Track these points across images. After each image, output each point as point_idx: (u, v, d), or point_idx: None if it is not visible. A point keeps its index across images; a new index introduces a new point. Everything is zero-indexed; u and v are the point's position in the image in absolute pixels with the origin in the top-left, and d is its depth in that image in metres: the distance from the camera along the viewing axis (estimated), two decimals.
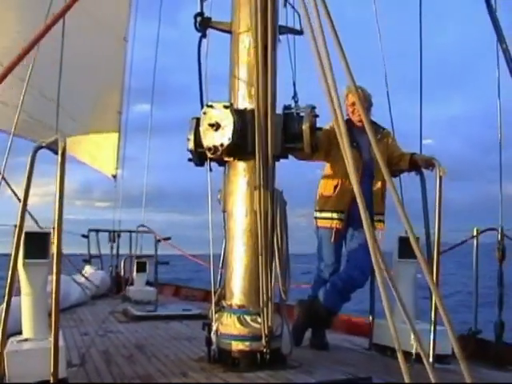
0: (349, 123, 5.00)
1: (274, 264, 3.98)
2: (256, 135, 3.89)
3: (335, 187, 4.94)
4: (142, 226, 9.39)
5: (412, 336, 2.63)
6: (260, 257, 3.90)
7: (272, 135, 3.91)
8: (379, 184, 4.92)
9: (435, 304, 4.15)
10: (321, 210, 5.06)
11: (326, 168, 5.10)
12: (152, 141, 11.57)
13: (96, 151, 11.30)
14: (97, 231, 10.76)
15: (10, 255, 3.20)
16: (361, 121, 4.98)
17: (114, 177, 11.63)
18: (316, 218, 5.10)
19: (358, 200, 2.71)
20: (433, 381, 2.36)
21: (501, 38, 3.95)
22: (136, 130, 11.72)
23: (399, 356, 2.29)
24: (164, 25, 11.34)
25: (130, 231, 10.63)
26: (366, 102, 4.93)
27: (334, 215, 4.94)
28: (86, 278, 8.98)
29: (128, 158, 11.83)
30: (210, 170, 4.35)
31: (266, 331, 3.90)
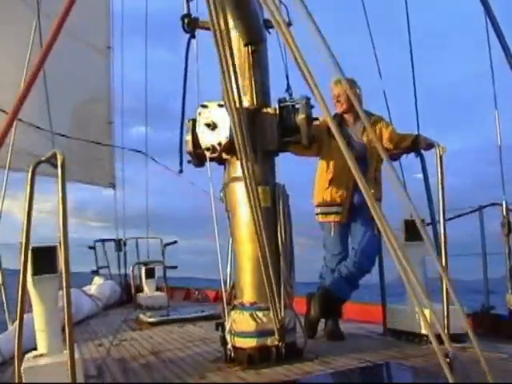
0: (338, 116, 5.03)
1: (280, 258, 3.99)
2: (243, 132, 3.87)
3: (330, 181, 4.96)
4: None
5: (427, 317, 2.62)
6: (261, 251, 3.89)
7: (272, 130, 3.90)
8: (373, 170, 4.92)
9: (445, 283, 4.16)
10: (319, 205, 5.08)
11: (320, 163, 5.12)
12: (151, 163, 11.64)
13: (84, 164, 11.06)
14: (103, 241, 10.77)
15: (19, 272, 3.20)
16: (346, 111, 5.00)
17: (113, 186, 11.54)
18: (316, 213, 5.12)
19: (361, 186, 2.69)
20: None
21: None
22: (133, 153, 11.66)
23: (433, 341, 2.28)
24: (164, 49, 11.44)
25: (137, 238, 10.65)
26: (351, 91, 4.97)
27: (333, 209, 4.97)
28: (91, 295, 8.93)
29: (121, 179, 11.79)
30: (224, 166, 4.35)
31: (278, 325, 3.90)
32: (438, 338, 2.33)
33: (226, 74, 3.77)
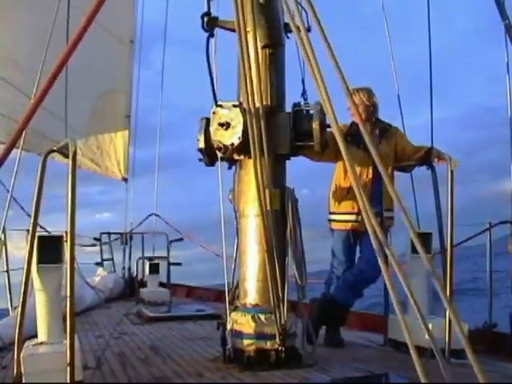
0: (355, 124, 5.03)
1: (286, 262, 3.99)
2: (263, 134, 3.87)
3: (348, 189, 4.92)
4: (155, 214, 9.47)
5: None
6: (267, 254, 3.89)
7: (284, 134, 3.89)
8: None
9: (450, 298, 4.14)
10: (335, 213, 5.07)
11: (337, 171, 5.10)
12: (142, 181, 11.75)
13: (99, 158, 11.16)
14: (109, 234, 10.80)
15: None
16: (365, 121, 5.00)
17: (125, 180, 11.58)
18: (330, 220, 5.11)
19: (358, 196, 2.70)
20: (446, 377, 2.35)
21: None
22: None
23: (412, 352, 2.28)
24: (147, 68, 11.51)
25: (142, 233, 10.66)
26: (369, 102, 4.94)
27: (350, 217, 4.95)
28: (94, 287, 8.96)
29: (115, 200, 11.87)
30: (230, 167, 4.35)
31: (280, 330, 3.90)
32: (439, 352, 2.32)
33: (245, 75, 3.78)
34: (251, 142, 3.60)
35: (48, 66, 5.68)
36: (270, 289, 3.87)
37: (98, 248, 10.54)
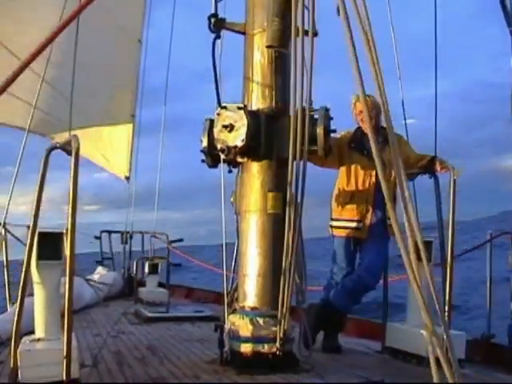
0: (360, 131, 5.03)
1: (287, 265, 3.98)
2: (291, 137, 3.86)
3: (351, 196, 4.93)
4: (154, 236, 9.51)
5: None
6: (269, 257, 3.88)
7: (293, 138, 3.88)
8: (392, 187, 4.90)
9: (448, 307, 4.14)
10: (337, 219, 5.06)
11: (340, 177, 5.10)
12: (142, 140, 11.70)
13: (110, 154, 11.31)
14: (109, 232, 10.80)
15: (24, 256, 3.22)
16: (374, 127, 4.98)
17: (127, 178, 11.63)
18: (332, 226, 5.10)
19: (386, 197, 2.69)
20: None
21: None
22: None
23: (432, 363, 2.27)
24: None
25: (142, 232, 10.67)
26: (375, 109, 4.93)
27: (352, 224, 4.94)
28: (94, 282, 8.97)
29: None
30: (230, 171, 4.35)
31: (281, 334, 3.89)
32: (437, 361, 2.31)
33: (249, 78, 3.79)
34: (255, 144, 3.60)
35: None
36: (270, 292, 3.87)
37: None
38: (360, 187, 4.91)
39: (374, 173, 4.85)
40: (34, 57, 2.43)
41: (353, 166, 4.97)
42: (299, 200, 3.98)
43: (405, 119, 5.67)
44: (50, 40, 2.51)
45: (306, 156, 3.90)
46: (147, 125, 12.19)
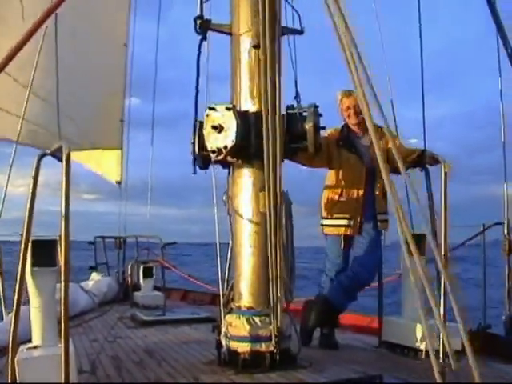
0: (346, 127, 5.05)
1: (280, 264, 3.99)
2: (264, 137, 3.86)
3: (340, 194, 4.95)
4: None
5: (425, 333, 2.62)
6: (270, 257, 3.88)
7: (281, 137, 3.88)
8: (380, 184, 4.92)
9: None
10: (328, 218, 5.07)
11: (329, 175, 5.12)
12: (139, 134, 11.65)
13: (100, 157, 11.28)
14: (103, 238, 10.76)
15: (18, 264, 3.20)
16: (356, 124, 5.01)
17: (119, 183, 11.60)
18: (322, 225, 5.11)
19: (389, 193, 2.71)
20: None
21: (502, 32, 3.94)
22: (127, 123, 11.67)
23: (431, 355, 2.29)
24: (154, 22, 11.33)
25: (136, 236, 10.63)
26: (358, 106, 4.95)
27: (342, 222, 4.96)
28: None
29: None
30: (228, 170, 4.35)
31: (276, 332, 3.90)
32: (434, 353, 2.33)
33: (237, 78, 3.78)
34: (245, 144, 3.60)
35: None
36: (265, 291, 3.88)
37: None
38: (350, 184, 4.93)
39: (363, 169, 4.87)
40: (8, 59, 2.43)
41: (342, 164, 4.98)
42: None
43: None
44: (24, 41, 2.51)
45: (281, 154, 3.90)
46: (158, 119, 12.14)
